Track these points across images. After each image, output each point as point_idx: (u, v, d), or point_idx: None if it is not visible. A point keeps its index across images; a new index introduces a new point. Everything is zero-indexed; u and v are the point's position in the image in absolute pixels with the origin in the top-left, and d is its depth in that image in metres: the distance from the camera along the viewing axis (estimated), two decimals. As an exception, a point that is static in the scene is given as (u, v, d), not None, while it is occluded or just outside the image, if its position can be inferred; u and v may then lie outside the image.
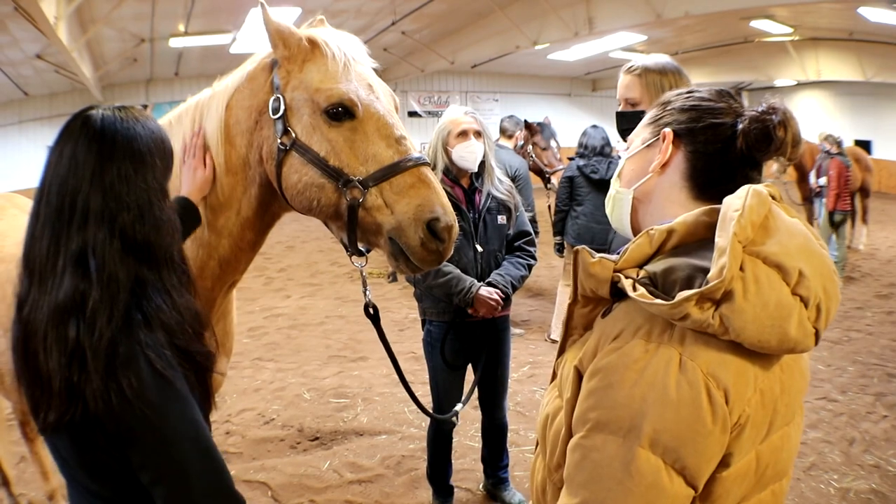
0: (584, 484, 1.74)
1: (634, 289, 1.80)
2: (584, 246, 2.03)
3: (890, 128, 26.43)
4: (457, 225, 3.04)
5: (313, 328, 11.15)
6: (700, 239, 1.87)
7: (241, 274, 3.55)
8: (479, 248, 5.23)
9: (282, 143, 3.09)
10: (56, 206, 2.07)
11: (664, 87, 3.77)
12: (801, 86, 30.24)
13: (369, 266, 14.97)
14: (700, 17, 16.55)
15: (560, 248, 9.97)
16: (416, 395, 4.27)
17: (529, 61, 27.69)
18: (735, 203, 1.77)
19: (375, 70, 3.33)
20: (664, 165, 2.09)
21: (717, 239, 1.73)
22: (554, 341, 10.05)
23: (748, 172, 2.02)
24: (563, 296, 10.10)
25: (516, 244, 5.47)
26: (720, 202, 1.87)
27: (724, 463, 1.71)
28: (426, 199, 2.98)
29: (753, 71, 25.02)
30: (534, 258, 5.55)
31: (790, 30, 21.67)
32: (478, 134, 5.20)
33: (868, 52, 23.09)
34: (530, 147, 10.93)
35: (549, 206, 10.82)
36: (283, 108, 3.10)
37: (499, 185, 5.38)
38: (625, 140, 3.94)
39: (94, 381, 1.91)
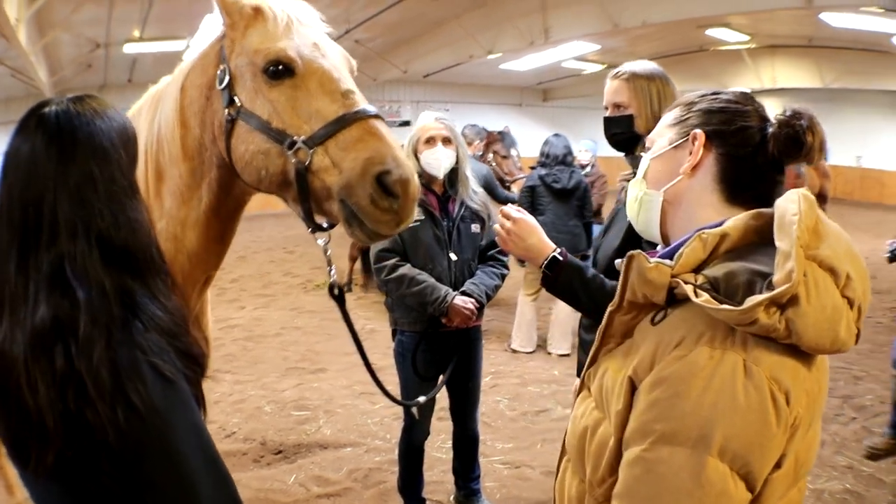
0: (649, 498, 1.70)
1: (696, 294, 1.76)
2: (639, 251, 1.94)
3: (847, 134, 26.65)
4: (415, 179, 2.74)
5: (270, 339, 11.01)
6: (748, 243, 1.88)
7: (213, 270, 3.38)
8: (454, 257, 5.17)
9: (228, 114, 2.91)
10: (19, 221, 1.87)
11: (652, 92, 3.81)
12: (756, 94, 30.00)
13: (324, 276, 14.90)
14: (656, 25, 16.66)
15: (521, 259, 9.73)
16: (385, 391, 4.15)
17: (482, 71, 27.58)
18: (791, 207, 1.77)
19: (330, 36, 3.19)
20: (695, 168, 2.08)
21: (778, 243, 1.72)
22: (515, 351, 10.12)
23: (775, 176, 2.05)
24: (525, 306, 10.18)
25: (489, 253, 5.42)
26: (753, 205, 1.97)
27: (777, 464, 1.73)
28: (375, 150, 2.70)
29: (707, 80, 24.78)
30: (506, 267, 5.52)
31: (747, 38, 21.79)
32: (447, 140, 5.15)
33: (828, 59, 23.35)
34: (490, 155, 10.93)
35: None
36: (227, 77, 2.93)
37: (472, 194, 5.32)
38: (613, 144, 3.94)
39: (98, 406, 1.74)
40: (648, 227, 2.23)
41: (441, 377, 5.27)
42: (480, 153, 10.77)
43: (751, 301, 1.64)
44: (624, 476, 1.77)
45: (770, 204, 1.95)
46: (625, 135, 3.88)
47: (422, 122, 5.28)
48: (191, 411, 1.91)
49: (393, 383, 4.22)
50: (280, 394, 8.71)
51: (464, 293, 5.07)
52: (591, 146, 12.11)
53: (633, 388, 1.84)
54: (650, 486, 1.69)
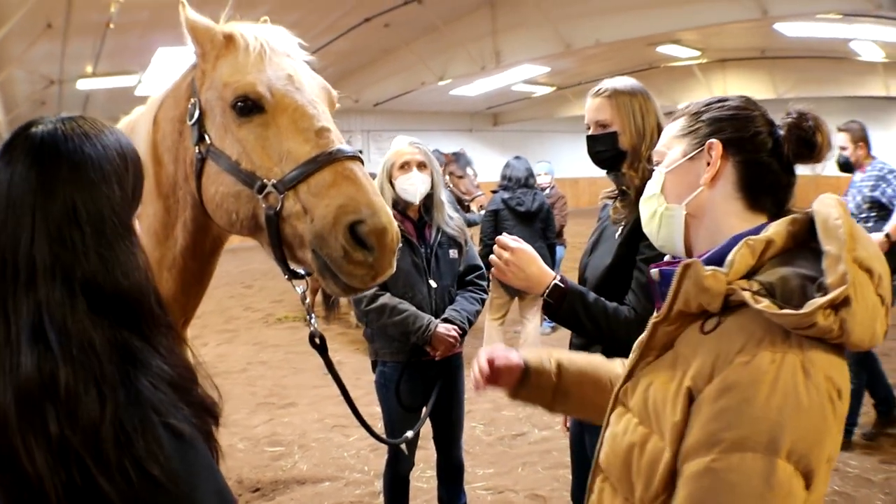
0: None
1: (756, 301, 1.76)
2: (696, 259, 1.92)
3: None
4: (393, 228, 2.51)
5: (236, 375, 10.86)
6: (788, 248, 1.91)
7: (192, 311, 3.20)
8: (433, 284, 5.09)
9: (199, 152, 2.72)
10: None
11: (634, 108, 3.78)
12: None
13: (284, 309, 14.82)
14: (607, 45, 16.74)
15: (487, 284, 9.67)
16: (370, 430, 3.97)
17: (432, 98, 27.65)
18: (833, 212, 1.83)
19: (311, 65, 2.99)
20: (714, 177, 2.09)
21: (826, 247, 1.78)
22: None
23: (790, 179, 2.10)
24: (492, 330, 10.13)
25: (467, 279, 5.37)
26: (773, 210, 2.07)
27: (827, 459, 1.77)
28: (348, 197, 2.47)
29: (658, 96, 24.51)
30: (486, 292, 5.47)
31: (698, 53, 22.11)
32: (421, 165, 5.08)
33: (781, 69, 23.63)
34: (447, 177, 10.90)
35: (472, 237, 10.62)
36: (198, 112, 2.73)
37: (448, 219, 5.27)
38: (597, 163, 3.87)
39: (107, 477, 1.46)
40: (671, 241, 2.22)
41: (425, 409, 5.14)
42: (440, 177, 10.74)
43: (812, 304, 1.67)
44: (689, 490, 1.74)
45: (785, 207, 2.08)
46: (609, 152, 3.82)
47: (396, 147, 5.20)
48: (214, 474, 1.67)
49: (365, 415, 4.13)
50: (252, 430, 8.59)
51: (446, 320, 5.00)
52: (549, 168, 12.13)
53: (690, 400, 1.83)
54: (721, 495, 1.68)
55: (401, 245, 4.82)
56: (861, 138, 7.94)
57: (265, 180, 2.58)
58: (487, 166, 12.53)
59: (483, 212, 10.43)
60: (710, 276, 1.83)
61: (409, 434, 4.79)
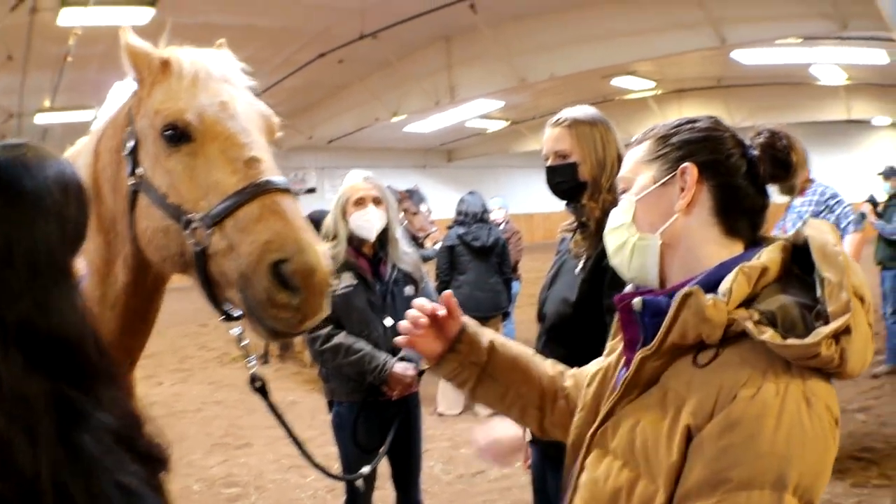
0: None
1: (759, 331, 1.68)
2: (697, 287, 1.79)
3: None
4: (322, 267, 2.30)
5: (191, 415, 10.74)
6: (780, 276, 1.85)
7: (138, 352, 3.03)
8: (389, 322, 4.96)
9: (132, 184, 2.55)
10: None
11: (595, 138, 3.71)
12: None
13: (234, 351, 14.62)
14: (562, 78, 16.76)
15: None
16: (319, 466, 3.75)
17: (386, 135, 27.58)
18: (829, 238, 1.80)
19: (255, 92, 2.80)
20: (689, 204, 1.98)
21: (825, 273, 1.72)
22: (442, 414, 9.95)
23: (764, 201, 2.03)
24: None
25: None
26: (751, 234, 1.99)
27: None
28: (274, 233, 2.28)
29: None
30: None
31: (653, 84, 22.18)
32: (377, 201, 5.00)
33: (737, 97, 23.82)
34: (402, 214, 10.89)
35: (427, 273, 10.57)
36: (133, 142, 2.57)
37: (404, 256, 5.20)
38: (557, 194, 3.79)
39: None
40: (645, 272, 2.08)
41: (382, 447, 5.00)
42: (393, 214, 10.71)
43: (819, 334, 1.62)
44: None
45: (760, 230, 2.02)
46: (569, 183, 3.72)
47: (350, 182, 5.12)
48: None
49: (321, 455, 4.05)
50: (207, 471, 8.45)
51: (403, 359, 4.89)
52: (503, 203, 12.13)
53: (688, 439, 1.73)
54: None
55: (355, 282, 4.77)
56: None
57: (192, 214, 2.41)
58: (442, 203, 12.52)
59: (438, 246, 10.43)
60: (712, 305, 1.73)
61: (365, 470, 4.67)
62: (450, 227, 10.00)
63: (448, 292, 2.51)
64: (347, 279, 4.95)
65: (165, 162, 2.50)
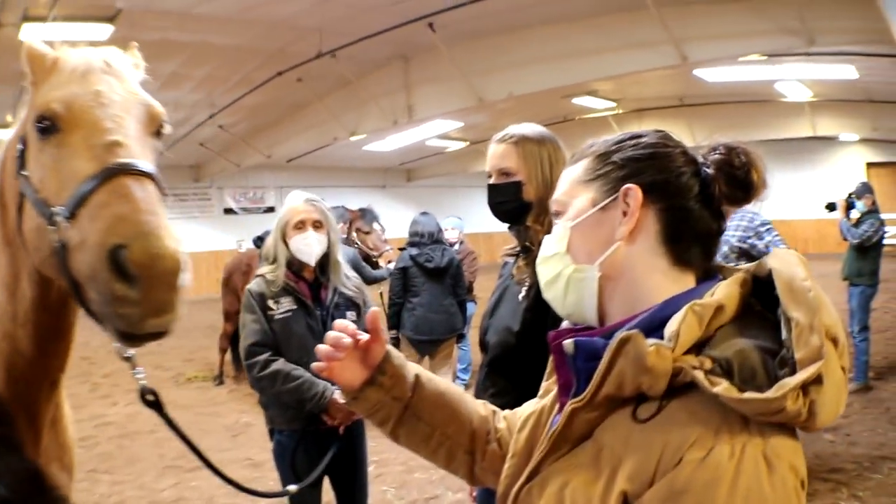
0: None
1: (711, 382, 1.44)
2: (636, 331, 1.53)
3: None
4: (170, 253, 2.00)
5: (145, 436, 10.53)
6: (738, 315, 1.61)
7: (58, 372, 2.77)
8: None
9: (20, 186, 2.38)
10: None
11: (542, 157, 3.56)
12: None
13: (194, 369, 14.55)
14: (521, 98, 16.70)
15: (396, 343, 9.54)
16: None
17: (345, 153, 27.57)
18: (798, 272, 1.56)
19: (146, 85, 2.65)
20: (632, 230, 1.74)
21: (793, 313, 1.47)
22: None
23: (719, 226, 1.80)
24: None
25: None
26: (702, 264, 1.77)
27: None
28: (115, 218, 2.02)
29: (571, 149, 24.63)
30: None
31: (613, 104, 22.19)
32: (318, 224, 4.89)
33: (699, 116, 23.67)
34: (354, 234, 10.83)
35: (381, 294, 10.50)
36: (22, 144, 2.42)
37: (345, 280, 5.08)
38: (498, 215, 3.63)
39: None
40: (581, 308, 1.82)
41: (318, 468, 4.82)
42: (345, 236, 10.63)
43: (784, 386, 1.37)
44: None
45: (713, 259, 1.80)
46: (512, 203, 3.57)
47: (290, 204, 4.99)
48: None
49: (273, 479, 3.97)
50: (159, 494, 8.34)
51: None
52: (457, 223, 12.09)
53: None
54: None
55: (294, 307, 4.67)
56: None
57: (55, 208, 2.18)
58: (401, 223, 12.43)
59: (391, 265, 10.36)
60: (654, 352, 1.48)
61: (292, 488, 4.53)
62: (402, 249, 9.90)
63: (374, 310, 2.24)
64: (287, 304, 4.85)
65: (39, 156, 2.33)
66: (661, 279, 1.73)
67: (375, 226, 11.02)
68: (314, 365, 2.18)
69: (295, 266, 4.92)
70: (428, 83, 17.92)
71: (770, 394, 1.37)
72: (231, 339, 12.50)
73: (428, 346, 9.72)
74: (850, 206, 11.13)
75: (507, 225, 3.75)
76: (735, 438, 1.40)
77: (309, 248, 4.85)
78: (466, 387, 11.82)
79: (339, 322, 2.20)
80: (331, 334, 2.15)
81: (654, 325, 1.60)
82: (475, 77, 16.42)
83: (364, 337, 2.17)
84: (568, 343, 1.72)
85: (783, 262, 1.60)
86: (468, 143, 28.14)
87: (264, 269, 4.99)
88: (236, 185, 31.07)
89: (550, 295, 1.93)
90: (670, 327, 1.54)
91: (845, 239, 11.03)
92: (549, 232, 3.34)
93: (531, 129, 3.67)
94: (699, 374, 1.45)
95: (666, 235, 1.74)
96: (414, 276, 9.56)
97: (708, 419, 1.44)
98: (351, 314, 5.01)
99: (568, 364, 1.75)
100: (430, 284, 9.49)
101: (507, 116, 22.71)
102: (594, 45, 15.02)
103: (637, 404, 1.57)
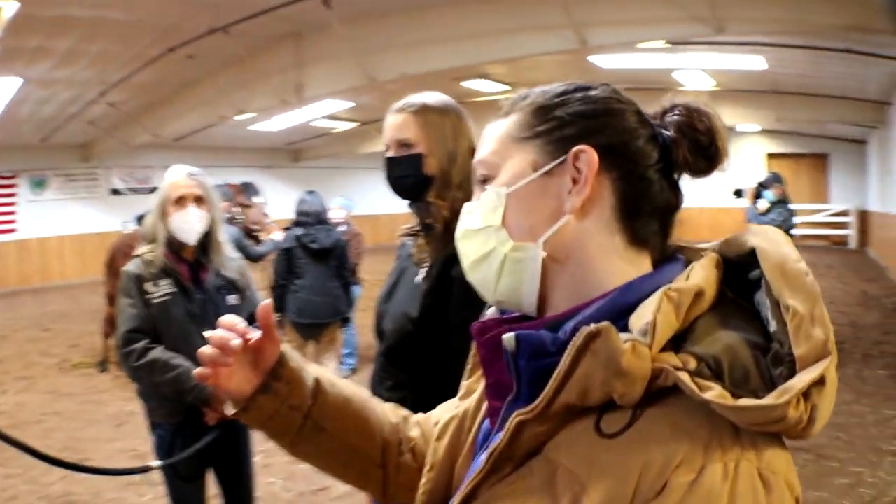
0: None
1: (700, 388, 1.14)
2: (606, 323, 1.20)
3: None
4: None
5: (32, 427, 10.18)
6: (713, 303, 1.32)
7: None
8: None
9: None
10: None
11: (445, 127, 3.30)
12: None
13: (79, 355, 14.26)
14: (412, 80, 16.49)
15: (279, 326, 9.39)
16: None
17: (232, 133, 27.10)
18: (790, 252, 1.28)
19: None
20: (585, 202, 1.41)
21: (789, 300, 1.19)
22: None
23: (679, 200, 1.48)
24: None
25: None
26: (657, 244, 1.46)
27: None
28: None
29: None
30: None
31: (506, 87, 22.06)
32: (199, 200, 4.61)
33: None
34: (238, 208, 10.67)
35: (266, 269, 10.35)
36: None
37: (227, 261, 4.80)
38: (397, 190, 3.33)
39: None
40: (517, 294, 1.46)
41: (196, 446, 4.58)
42: (229, 215, 10.44)
43: (788, 391, 1.10)
44: None
45: (669, 238, 1.48)
46: (412, 178, 3.28)
47: (171, 179, 4.68)
48: None
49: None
50: (48, 488, 8.04)
51: None
52: (345, 203, 11.98)
53: None
54: None
55: (174, 290, 4.38)
56: None
57: None
58: (287, 204, 12.25)
59: (275, 236, 10.21)
60: (630, 351, 1.17)
61: (153, 464, 4.38)
62: (287, 229, 9.69)
63: (266, 303, 1.78)
64: (165, 287, 4.54)
65: None
66: (616, 261, 1.41)
67: (257, 199, 10.80)
68: (196, 372, 1.79)
69: (174, 245, 4.63)
70: (320, 62, 17.67)
71: (771, 400, 1.10)
72: (113, 324, 12.19)
73: (312, 330, 9.55)
74: (757, 194, 11.23)
75: (405, 202, 3.47)
76: (727, 455, 1.12)
77: (189, 225, 4.58)
78: (353, 371, 11.80)
79: (225, 319, 1.76)
80: (216, 335, 1.71)
81: (613, 315, 1.29)
82: (368, 56, 16.21)
83: (255, 335, 1.73)
84: (508, 338, 1.34)
85: (769, 241, 1.32)
86: (357, 123, 27.91)
87: (143, 249, 4.67)
88: (124, 165, 30.31)
89: (478, 276, 1.53)
90: (642, 318, 1.24)
91: None
92: (452, 208, 3.11)
93: (433, 97, 3.41)
94: (684, 377, 1.16)
95: (623, 209, 1.42)
96: (298, 257, 9.36)
97: (694, 432, 1.15)
98: (233, 298, 4.78)
99: (506, 362, 1.38)
100: (314, 266, 9.32)
101: (397, 97, 22.44)
102: (492, 26, 14.86)
103: (600, 414, 1.25)
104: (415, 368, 3.23)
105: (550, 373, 1.26)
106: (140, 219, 10.09)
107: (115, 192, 30.33)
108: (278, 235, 10.15)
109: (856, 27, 11.73)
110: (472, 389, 1.76)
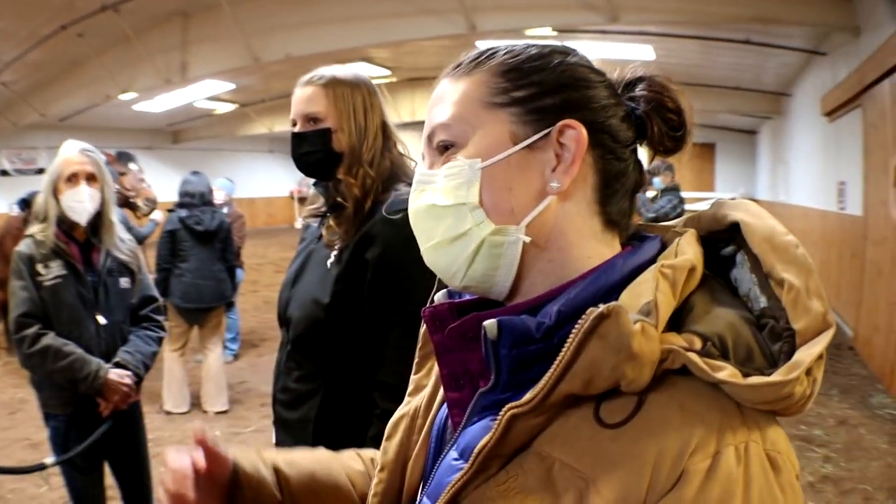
0: None
1: (712, 368, 1.08)
2: (616, 303, 1.08)
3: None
4: None
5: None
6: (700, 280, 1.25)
7: None
8: (102, 320, 4.43)
9: None
10: None
11: (356, 102, 3.09)
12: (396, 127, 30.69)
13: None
14: (296, 61, 16.30)
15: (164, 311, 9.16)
16: None
17: (117, 113, 26.38)
18: (776, 225, 1.22)
19: None
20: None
21: (783, 274, 1.15)
22: (169, 413, 9.36)
23: (643, 177, 1.40)
24: (173, 363, 9.44)
25: (142, 313, 4.72)
26: (624, 225, 1.37)
27: None
28: None
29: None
30: (163, 329, 4.85)
31: (388, 72, 21.98)
32: (91, 178, 4.43)
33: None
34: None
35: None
36: None
37: (119, 242, 4.63)
38: (303, 168, 3.13)
39: None
40: (490, 280, 1.32)
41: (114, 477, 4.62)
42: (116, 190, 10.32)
43: (797, 366, 1.06)
44: None
45: (631, 218, 1.39)
46: (320, 154, 3.06)
47: (64, 155, 4.47)
48: None
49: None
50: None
51: (118, 364, 4.38)
52: (226, 185, 11.82)
53: None
54: None
55: (65, 272, 4.26)
56: None
57: None
58: (166, 185, 12.09)
59: (155, 216, 9.97)
60: (640, 332, 1.06)
61: (48, 461, 4.27)
62: (171, 211, 9.42)
63: (199, 427, 1.60)
64: (56, 269, 4.36)
65: None
66: (594, 243, 1.31)
67: (132, 166, 10.59)
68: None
69: (65, 225, 4.44)
70: (205, 41, 17.41)
71: (781, 376, 1.06)
72: (4, 309, 11.94)
73: (197, 314, 9.41)
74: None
75: (312, 180, 3.27)
76: (737, 437, 1.06)
77: (81, 204, 4.40)
78: (236, 357, 11.72)
79: (174, 462, 1.55)
80: (170, 483, 1.51)
81: (598, 297, 1.20)
82: (254, 37, 16.02)
83: (200, 465, 1.55)
84: (490, 324, 1.21)
85: (752, 215, 1.25)
86: (238, 105, 27.66)
87: (34, 229, 4.47)
88: (12, 146, 29.69)
89: (441, 259, 1.36)
90: (640, 297, 1.14)
91: (639, 213, 11.30)
92: (363, 186, 2.99)
93: (343, 70, 3.20)
94: (695, 358, 1.08)
95: (602, 190, 1.32)
96: (182, 239, 9.15)
97: (705, 415, 1.08)
98: (125, 281, 4.65)
99: (484, 351, 1.24)
100: (198, 249, 9.16)
101: (279, 79, 22.79)
102: (382, 9, 14.80)
103: (599, 403, 1.15)
104: (325, 358, 3.07)
105: (532, 361, 1.20)
106: (23, 202, 9.85)
107: (4, 173, 29.71)
108: (158, 215, 9.93)
109: (757, 18, 11.82)
110: (421, 385, 1.62)
